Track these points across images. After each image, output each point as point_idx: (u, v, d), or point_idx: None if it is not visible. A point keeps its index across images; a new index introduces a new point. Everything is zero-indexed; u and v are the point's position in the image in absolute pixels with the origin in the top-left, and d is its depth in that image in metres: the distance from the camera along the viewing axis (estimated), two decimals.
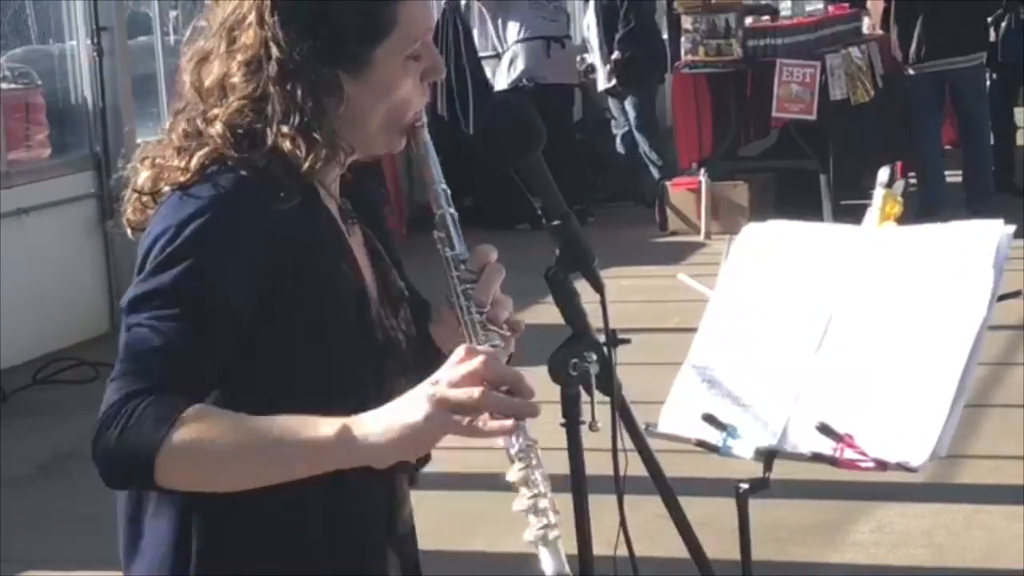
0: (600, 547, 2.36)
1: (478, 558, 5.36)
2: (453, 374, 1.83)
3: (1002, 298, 2.67)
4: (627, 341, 2.59)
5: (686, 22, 10.54)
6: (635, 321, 7.89)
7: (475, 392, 1.81)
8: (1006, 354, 7.60)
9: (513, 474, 1.81)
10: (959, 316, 2.63)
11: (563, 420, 2.43)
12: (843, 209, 10.83)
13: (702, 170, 10.79)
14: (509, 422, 1.83)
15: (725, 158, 10.94)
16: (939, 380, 2.61)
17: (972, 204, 10.62)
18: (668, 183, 11.05)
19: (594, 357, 2.35)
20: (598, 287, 2.38)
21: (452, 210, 2.07)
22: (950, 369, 2.61)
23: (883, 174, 2.92)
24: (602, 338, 2.36)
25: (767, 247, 2.94)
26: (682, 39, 10.66)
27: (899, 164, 11.90)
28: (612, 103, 11.80)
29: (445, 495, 5.56)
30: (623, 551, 2.26)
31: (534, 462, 1.85)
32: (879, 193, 2.86)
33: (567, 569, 1.72)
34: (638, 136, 11.57)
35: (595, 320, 2.21)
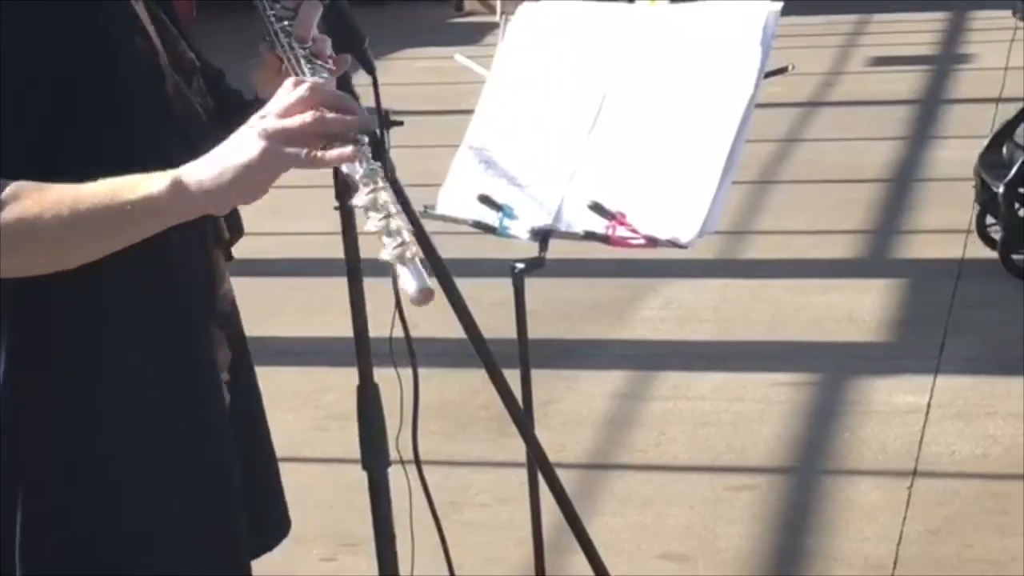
0: (376, 330, 2.38)
1: None
2: (281, 104, 1.78)
3: (769, 75, 2.70)
4: (400, 123, 2.59)
5: None
6: (425, 103, 7.88)
7: (307, 117, 1.76)
8: (793, 130, 7.74)
9: (360, 199, 1.77)
10: (727, 93, 2.66)
11: (336, 204, 2.42)
12: None
13: None
14: (349, 149, 1.78)
15: None
16: (707, 157, 2.64)
17: None
18: None
19: (367, 140, 2.35)
20: (369, 69, 2.36)
21: None
22: (718, 146, 2.64)
23: None
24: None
25: (543, 27, 2.93)
26: None
27: None
28: None
29: None
30: (399, 333, 2.27)
31: (380, 184, 1.80)
32: None
33: (429, 283, 1.69)
34: None
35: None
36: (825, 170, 7.11)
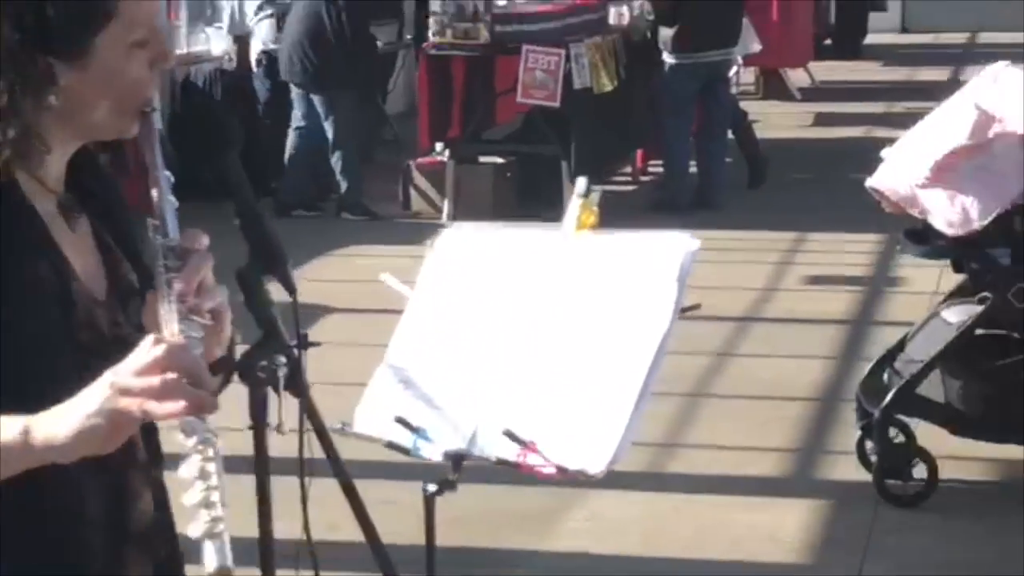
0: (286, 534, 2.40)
1: None
2: (134, 363, 1.83)
3: (684, 311, 2.77)
4: (316, 344, 2.63)
5: (434, 4, 10.62)
6: (362, 302, 7.93)
7: (155, 381, 1.81)
8: (726, 344, 7.84)
9: (189, 469, 1.81)
10: (643, 327, 2.73)
11: (251, 423, 2.46)
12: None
13: (447, 151, 10.87)
14: (181, 404, 1.82)
15: (470, 140, 11.03)
16: (621, 390, 2.70)
17: (705, 198, 10.92)
18: (412, 163, 11.11)
19: (283, 360, 2.40)
20: (290, 289, 2.41)
21: (173, 198, 2.05)
22: (632, 379, 2.71)
23: (580, 184, 3.01)
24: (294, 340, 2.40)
25: (467, 251, 3.01)
26: (430, 21, 10.72)
27: (640, 153, 12.19)
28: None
29: None
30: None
31: (211, 454, 1.84)
32: (575, 203, 2.94)
33: (230, 562, 1.73)
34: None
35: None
36: (756, 386, 7.20)
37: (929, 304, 6.72)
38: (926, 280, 8.29)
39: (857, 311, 8.40)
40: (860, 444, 5.83)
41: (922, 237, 5.57)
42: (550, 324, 2.81)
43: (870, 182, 5.58)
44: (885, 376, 5.73)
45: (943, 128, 5.40)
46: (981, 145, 5.28)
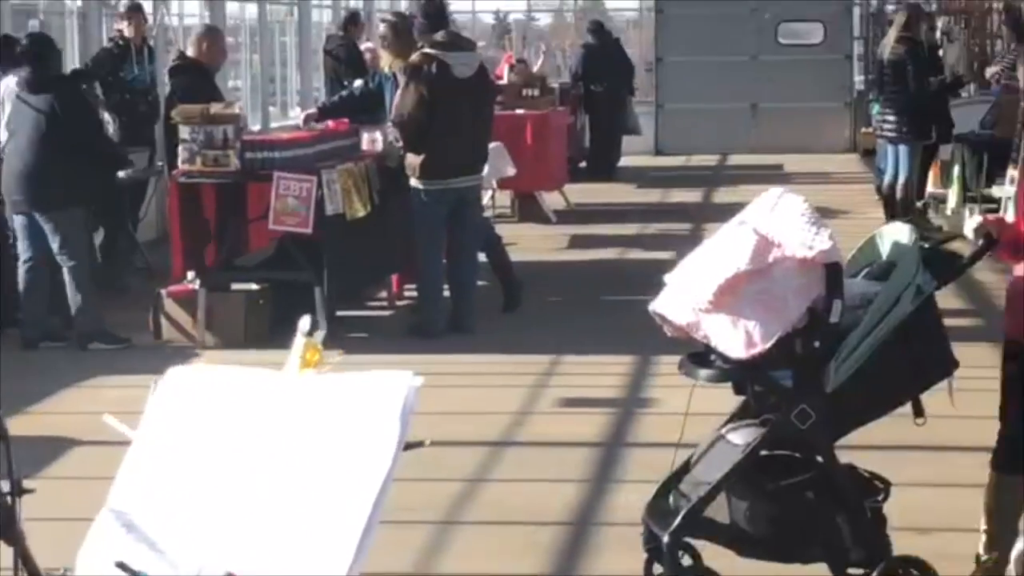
0: None
1: None
2: None
3: (407, 447, 2.76)
4: (31, 491, 2.57)
5: (184, 132, 10.54)
6: (110, 435, 7.77)
7: None
8: (479, 470, 7.83)
9: None
10: (366, 465, 2.71)
11: None
12: (338, 320, 11.01)
13: (198, 279, 10.77)
14: None
15: (221, 268, 10.95)
16: (345, 528, 2.67)
17: (459, 322, 10.98)
18: (163, 291, 10.97)
19: None
20: (1, 434, 2.35)
21: None
22: (356, 517, 2.68)
23: (303, 323, 2.98)
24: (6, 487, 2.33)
25: (191, 391, 2.96)
26: (180, 148, 10.64)
27: (395, 278, 12.21)
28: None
29: None
30: None
31: None
32: (299, 341, 2.92)
33: None
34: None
35: None
36: (509, 512, 7.19)
37: (680, 425, 6.80)
38: (677, 401, 8.38)
39: (609, 433, 8.48)
40: (648, 567, 5.82)
41: (705, 360, 5.64)
42: (274, 465, 2.78)
43: (653, 307, 5.63)
44: (671, 499, 5.75)
45: (723, 253, 5.48)
46: (761, 270, 5.37)
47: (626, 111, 22.15)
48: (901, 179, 15.13)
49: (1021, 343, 5.77)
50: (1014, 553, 3.16)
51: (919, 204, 15.68)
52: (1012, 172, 13.53)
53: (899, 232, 5.66)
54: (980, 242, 5.75)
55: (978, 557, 6.01)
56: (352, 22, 17.27)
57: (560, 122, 18.49)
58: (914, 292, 5.46)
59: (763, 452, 5.59)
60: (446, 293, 11.19)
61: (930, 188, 16.59)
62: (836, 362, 5.42)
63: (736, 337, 5.38)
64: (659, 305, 5.61)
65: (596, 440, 8.32)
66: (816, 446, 5.55)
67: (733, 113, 25.33)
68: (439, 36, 10.85)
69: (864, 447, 6.43)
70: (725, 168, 23.61)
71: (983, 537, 5.98)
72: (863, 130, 22.78)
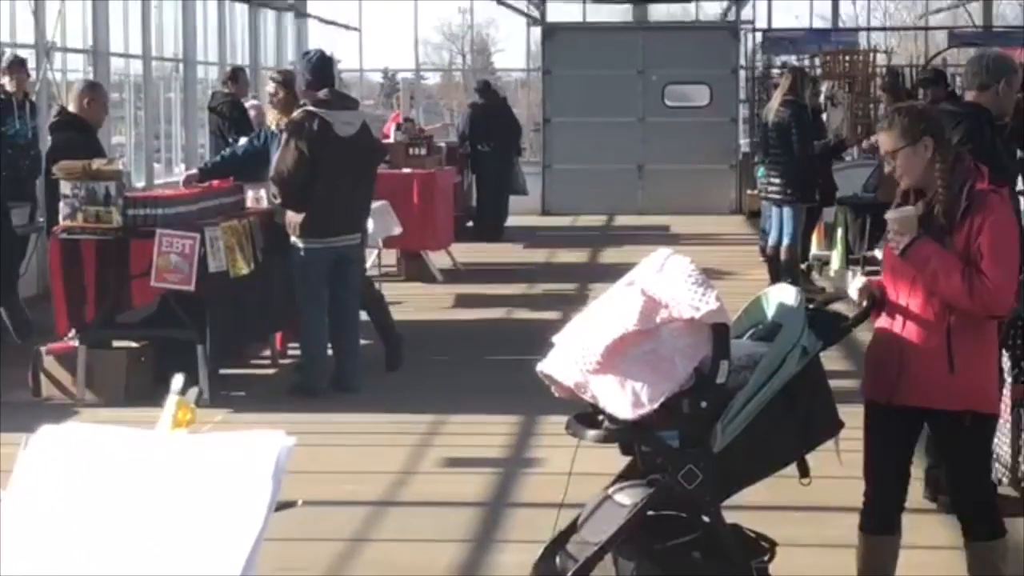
0: None
1: None
2: None
3: (279, 507, 2.70)
4: None
5: (65, 187, 10.40)
6: None
7: None
8: (360, 530, 7.76)
9: None
10: (237, 525, 2.65)
11: None
12: (221, 378, 10.90)
13: (78, 336, 10.62)
14: None
15: (103, 325, 10.81)
16: None
17: (342, 381, 10.91)
18: (42, 348, 10.81)
19: None
20: None
21: None
22: None
23: (176, 382, 2.92)
24: None
25: (61, 449, 2.89)
26: (60, 204, 10.51)
27: (279, 336, 12.11)
28: None
29: None
30: None
31: None
32: (171, 400, 2.86)
33: None
34: None
35: None
36: (392, 571, 7.13)
37: (564, 485, 6.77)
38: (561, 461, 8.36)
39: (493, 493, 8.43)
40: None
41: (592, 421, 5.62)
42: (142, 526, 2.71)
43: (541, 367, 5.62)
44: (558, 560, 5.72)
45: (611, 314, 5.48)
46: (649, 330, 5.37)
47: (513, 171, 22.23)
48: (785, 241, 15.26)
49: (880, 404, 5.83)
50: None
51: (803, 266, 15.83)
52: None
53: (785, 293, 5.70)
54: (864, 303, 5.81)
55: None
56: (235, 79, 17.17)
57: (447, 181, 18.51)
58: (800, 353, 5.49)
59: (650, 512, 5.58)
60: (330, 352, 11.11)
61: (814, 250, 16.77)
62: (723, 423, 5.43)
63: (624, 397, 5.37)
64: (547, 366, 5.60)
65: (479, 500, 8.28)
66: (702, 506, 5.55)
67: (620, 174, 25.52)
68: (322, 94, 10.81)
69: (748, 507, 6.45)
70: (612, 229, 23.74)
71: None
72: (749, 192, 23.03)
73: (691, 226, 22.87)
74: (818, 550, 7.09)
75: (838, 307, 6.11)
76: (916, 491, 6.32)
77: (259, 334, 11.87)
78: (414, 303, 14.89)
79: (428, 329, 13.58)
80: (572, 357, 5.49)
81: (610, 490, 5.78)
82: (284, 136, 10.81)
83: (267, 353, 12.19)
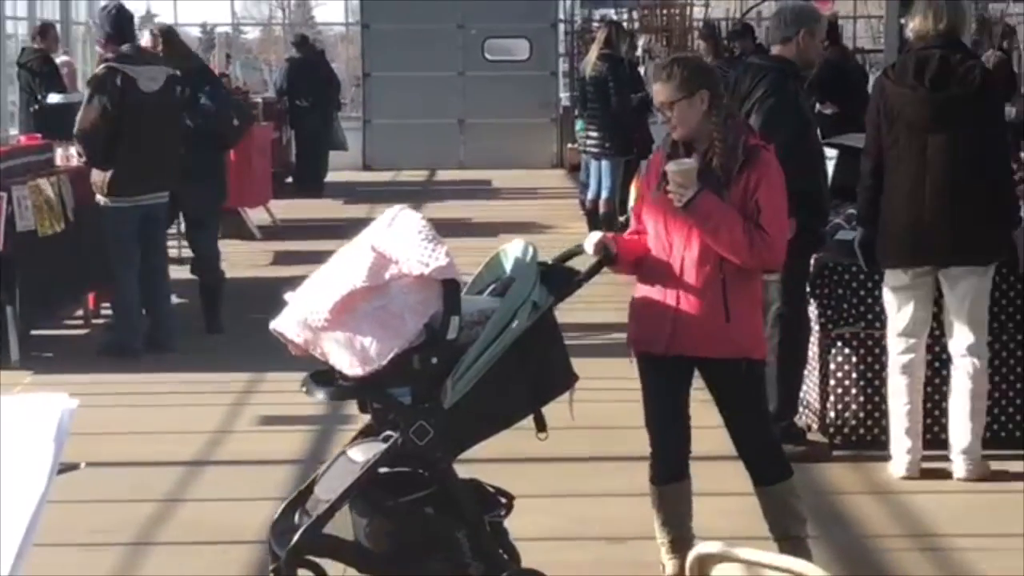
0: None
1: None
2: None
3: (62, 470, 2.66)
4: None
5: None
6: None
7: None
8: (175, 490, 7.68)
9: None
10: (18, 489, 2.60)
11: None
12: (32, 340, 10.71)
13: None
14: None
15: None
16: None
17: (157, 340, 10.77)
18: None
19: None
20: None
21: None
22: (7, 542, 2.57)
23: None
24: None
25: None
26: None
27: (91, 296, 11.92)
28: None
29: None
30: None
31: None
32: None
33: None
34: None
35: None
36: (205, 531, 7.07)
37: None
38: None
39: (309, 450, 8.40)
40: None
41: (327, 378, 5.58)
42: None
43: (273, 325, 5.56)
44: (296, 517, 5.68)
45: (342, 270, 5.45)
46: (378, 286, 5.35)
47: (333, 126, 22.08)
48: (604, 194, 15.37)
49: (655, 355, 5.91)
50: (690, 558, 3.20)
51: (621, 218, 15.95)
52: None
53: (519, 248, 5.67)
54: (598, 257, 5.85)
55: (663, 565, 6.12)
56: (44, 34, 16.79)
57: (264, 137, 18.32)
58: (531, 308, 5.49)
59: (383, 469, 5.54)
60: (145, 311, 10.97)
61: (632, 203, 16.90)
62: (453, 378, 5.41)
63: (352, 354, 5.34)
64: (278, 323, 5.54)
65: (295, 458, 8.24)
66: (434, 462, 5.52)
67: (441, 129, 25.49)
68: (125, 48, 10.61)
69: (566, 459, 6.48)
70: (433, 183, 23.72)
71: (662, 548, 6.10)
72: (569, 146, 23.14)
73: (512, 180, 22.94)
74: (628, 499, 7.15)
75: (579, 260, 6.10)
76: (715, 439, 6.40)
77: (71, 294, 11.67)
78: (232, 260, 14.70)
79: (246, 286, 13.45)
80: (303, 314, 5.44)
81: (347, 447, 5.76)
82: (87, 92, 10.61)
83: (80, 313, 12.00)
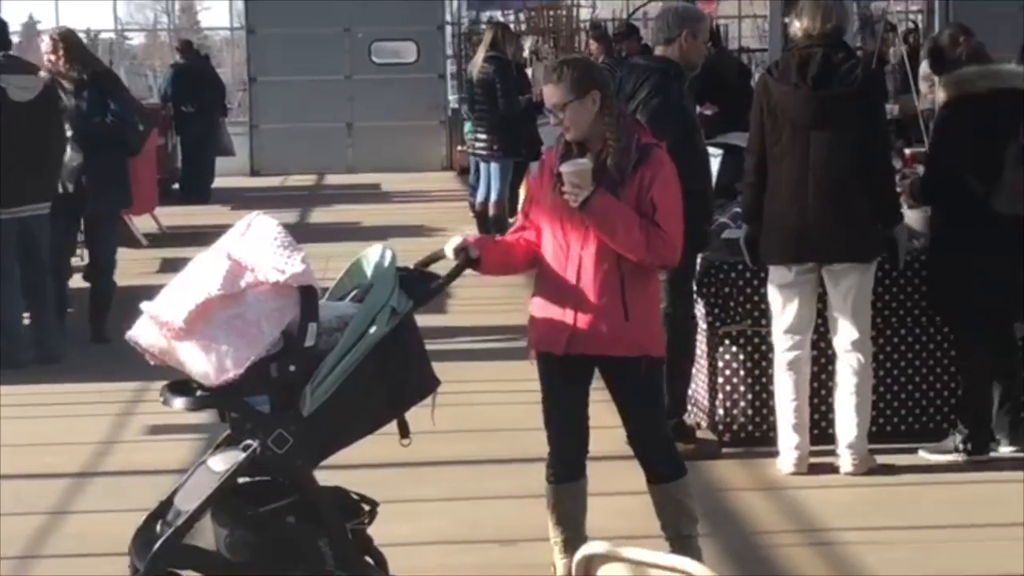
0: None
1: None
2: None
3: None
4: None
5: None
6: None
7: None
8: (62, 502, 7.58)
9: None
10: None
11: None
12: None
13: None
14: None
15: None
16: None
17: (43, 352, 10.64)
18: None
19: None
20: None
21: None
22: None
23: None
24: None
25: None
26: None
27: None
28: None
29: None
30: None
31: None
32: None
33: None
34: None
35: None
36: (92, 543, 6.99)
37: None
38: None
39: (196, 460, 8.26)
40: None
41: (185, 388, 5.52)
42: None
43: (129, 334, 5.49)
44: (157, 527, 5.61)
45: (198, 278, 5.39)
46: (234, 295, 5.29)
47: (219, 131, 21.92)
48: (493, 196, 15.39)
49: (555, 355, 5.93)
50: (576, 559, 3.21)
51: (511, 220, 15.95)
52: None
53: (378, 253, 5.64)
54: (458, 262, 5.84)
55: (553, 566, 6.13)
56: None
57: (149, 144, 18.12)
58: (389, 313, 5.45)
59: (243, 479, 5.49)
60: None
61: (521, 205, 16.90)
62: (312, 386, 5.36)
63: (209, 363, 5.29)
64: (134, 332, 5.48)
65: (184, 467, 8.12)
66: (294, 471, 5.47)
67: (329, 133, 25.38)
68: None
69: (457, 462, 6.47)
70: (322, 188, 23.62)
71: (555, 548, 6.10)
72: (458, 148, 23.12)
73: (402, 183, 22.89)
74: (518, 502, 7.15)
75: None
76: (612, 439, 6.43)
77: None
78: (118, 269, 14.54)
79: (133, 295, 13.22)
80: (158, 323, 5.38)
81: (207, 456, 5.70)
82: None
83: None
